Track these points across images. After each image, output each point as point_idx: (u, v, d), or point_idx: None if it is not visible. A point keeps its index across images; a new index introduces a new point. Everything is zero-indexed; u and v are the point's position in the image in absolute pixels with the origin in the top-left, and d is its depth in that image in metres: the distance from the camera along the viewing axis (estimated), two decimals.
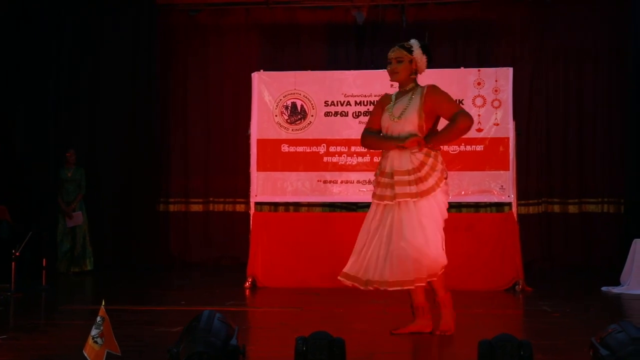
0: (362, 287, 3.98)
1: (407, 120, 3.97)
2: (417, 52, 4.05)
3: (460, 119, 3.92)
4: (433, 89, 4.04)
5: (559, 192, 8.29)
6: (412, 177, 3.91)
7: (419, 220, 3.88)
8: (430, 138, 3.95)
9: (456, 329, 4.06)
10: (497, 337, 2.56)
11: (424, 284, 3.91)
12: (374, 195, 4.05)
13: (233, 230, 8.46)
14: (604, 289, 6.28)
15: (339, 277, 4.09)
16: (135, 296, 6.00)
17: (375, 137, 4.14)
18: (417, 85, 4.09)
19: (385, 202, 3.94)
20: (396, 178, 3.93)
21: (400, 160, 3.96)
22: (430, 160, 3.95)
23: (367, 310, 5.09)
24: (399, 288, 3.88)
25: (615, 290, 6.20)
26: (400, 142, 3.94)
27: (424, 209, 3.90)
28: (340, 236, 6.50)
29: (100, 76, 8.25)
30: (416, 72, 4.08)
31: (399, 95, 4.11)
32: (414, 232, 3.85)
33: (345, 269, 4.06)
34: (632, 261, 6.28)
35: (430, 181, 3.92)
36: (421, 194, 3.89)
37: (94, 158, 8.17)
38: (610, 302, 5.78)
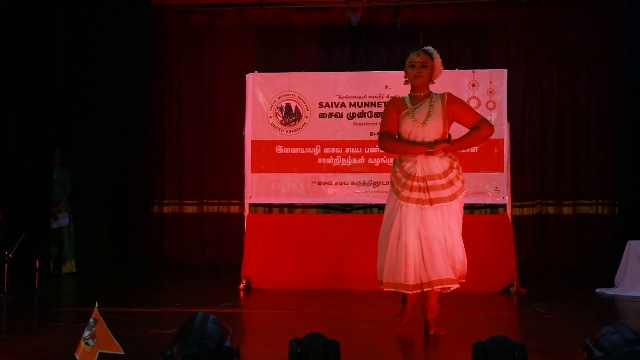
0: (410, 292, 4.01)
1: (432, 127, 4.04)
2: (438, 60, 4.15)
3: (484, 126, 4.10)
4: (454, 97, 4.18)
5: (554, 194, 8.31)
6: (444, 181, 3.99)
7: (449, 224, 3.99)
8: (453, 143, 4.02)
9: (451, 330, 4.07)
10: (492, 339, 2.56)
11: (457, 285, 4.02)
12: (404, 198, 3.99)
13: (227, 232, 8.45)
14: (598, 290, 6.30)
15: (385, 289, 4.07)
16: (129, 298, 5.98)
17: (401, 142, 4.12)
18: (430, 91, 4.14)
19: (426, 206, 3.96)
20: (430, 183, 3.98)
21: (429, 165, 4.01)
22: (456, 164, 4.08)
23: (362, 312, 5.09)
24: (440, 287, 3.96)
25: (610, 292, 6.22)
26: (430, 147, 3.99)
27: (453, 212, 4.03)
28: (335, 238, 6.53)
29: (94, 77, 8.23)
30: (432, 79, 4.15)
31: (414, 100, 4.13)
32: (446, 236, 3.97)
33: (388, 279, 4.04)
34: (627, 263, 6.30)
35: (458, 185, 4.05)
36: (452, 197, 4.00)
37: (88, 160, 8.15)
38: (605, 304, 5.80)
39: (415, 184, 4.00)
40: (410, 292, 3.98)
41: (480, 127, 4.07)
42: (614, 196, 8.08)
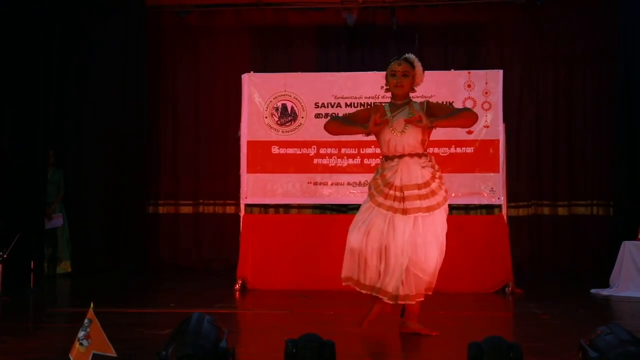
0: (363, 291, 4.06)
1: (410, 134, 4.05)
2: (418, 69, 4.16)
3: (467, 110, 4.27)
4: (432, 103, 4.24)
5: (549, 194, 8.33)
6: (422, 192, 3.99)
7: (424, 235, 3.96)
8: (433, 119, 4.02)
9: (445, 331, 4.07)
10: (487, 339, 2.56)
11: (422, 299, 4.01)
12: (376, 202, 4.02)
13: (223, 232, 8.45)
14: (593, 291, 6.32)
15: (344, 283, 4.12)
16: (124, 299, 5.98)
17: (342, 122, 4.27)
18: (410, 99, 4.16)
19: (397, 214, 3.96)
20: (406, 193, 3.98)
21: (409, 174, 4.01)
22: (439, 174, 4.09)
23: (357, 313, 5.07)
24: (402, 302, 3.98)
25: (605, 292, 6.24)
26: (364, 128, 4.05)
27: (435, 222, 4.00)
28: (331, 238, 6.50)
29: (89, 77, 8.21)
30: (413, 87, 4.17)
31: (393, 108, 4.15)
32: (417, 247, 3.94)
33: (347, 273, 4.08)
34: (621, 263, 6.32)
35: (441, 194, 4.05)
36: (431, 209, 3.98)
37: (83, 160, 8.13)
38: (600, 304, 5.81)
39: (391, 192, 4.00)
40: (363, 292, 4.01)
41: (463, 109, 4.25)
42: (608, 197, 8.10)
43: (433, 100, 6.53)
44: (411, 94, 4.22)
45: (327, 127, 4.34)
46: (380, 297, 3.97)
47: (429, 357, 3.64)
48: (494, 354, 2.50)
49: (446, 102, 6.64)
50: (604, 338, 2.55)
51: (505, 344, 2.54)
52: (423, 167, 4.04)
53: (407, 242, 3.93)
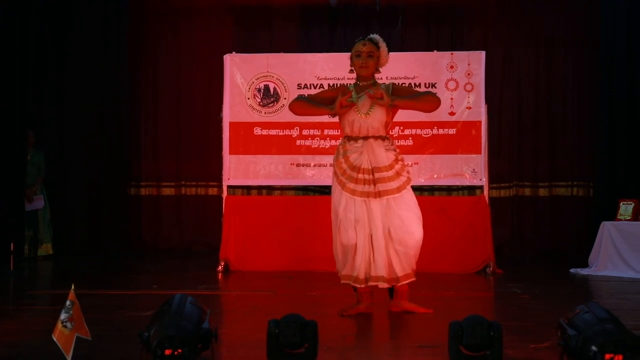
0: (363, 285, 4.06)
1: (375, 117, 4.06)
2: (384, 49, 4.15)
3: (429, 94, 4.26)
4: (398, 85, 4.27)
5: (530, 175, 8.40)
6: (391, 173, 4.00)
7: (400, 214, 3.98)
8: (394, 98, 4.05)
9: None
10: (468, 318, 2.59)
11: (414, 279, 4.04)
12: (349, 190, 4.01)
13: (205, 214, 8.43)
14: (572, 271, 6.40)
15: (343, 282, 4.13)
16: (106, 280, 5.96)
17: (307, 102, 4.24)
18: (376, 81, 4.17)
19: (370, 198, 3.96)
20: (377, 175, 3.99)
21: (376, 157, 4.02)
22: (401, 157, 4.13)
23: (340, 293, 5.10)
24: (395, 284, 4.01)
25: (583, 272, 6.33)
26: (331, 109, 4.05)
27: (405, 201, 4.02)
28: (314, 220, 6.53)
29: (68, 58, 8.11)
30: (378, 68, 4.17)
31: (359, 89, 4.15)
32: (397, 227, 3.97)
33: (345, 271, 4.09)
34: (600, 244, 6.40)
35: (404, 175, 4.08)
36: (399, 189, 4.00)
37: (62, 141, 8.05)
38: (579, 283, 5.89)
39: (361, 176, 4.00)
40: (361, 287, 4.03)
41: (427, 93, 4.31)
42: (589, 178, 8.19)
43: (416, 80, 6.57)
44: (377, 76, 4.22)
45: (291, 107, 4.32)
46: (374, 284, 3.98)
47: (410, 336, 3.68)
48: (475, 333, 2.53)
49: (429, 83, 6.65)
50: (582, 316, 2.58)
51: (485, 322, 2.57)
52: (387, 149, 4.07)
53: (386, 224, 3.95)
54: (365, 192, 3.99)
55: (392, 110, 4.10)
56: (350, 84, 4.28)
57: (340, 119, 4.16)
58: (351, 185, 4.02)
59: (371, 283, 4.02)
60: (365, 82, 4.15)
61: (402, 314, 4.09)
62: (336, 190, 4.12)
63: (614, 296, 5.22)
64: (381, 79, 4.35)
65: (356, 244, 4.00)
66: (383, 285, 4.01)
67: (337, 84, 6.72)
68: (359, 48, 4.11)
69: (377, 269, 3.97)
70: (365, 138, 4.07)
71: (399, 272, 4.00)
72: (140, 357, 2.56)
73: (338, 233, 4.08)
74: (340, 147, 4.16)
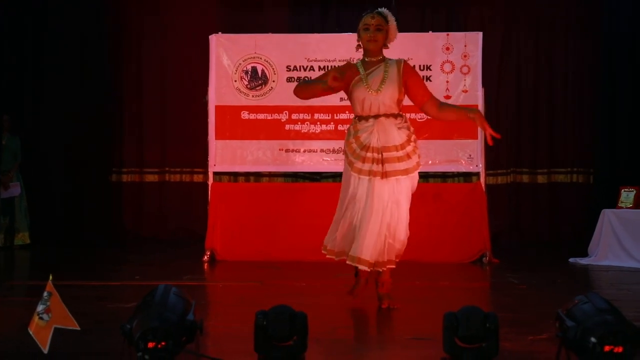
0: (335, 258, 4.12)
1: (386, 93, 4.02)
2: (392, 24, 4.11)
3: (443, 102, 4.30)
4: (409, 65, 4.19)
5: (528, 161, 8.42)
6: (401, 153, 3.98)
7: (397, 199, 3.98)
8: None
9: (421, 302, 4.12)
10: (463, 309, 2.59)
11: (393, 266, 4.03)
12: (357, 170, 4.00)
13: (190, 202, 8.42)
14: (571, 260, 6.44)
15: (327, 255, 4.17)
16: (86, 271, 5.94)
17: (305, 83, 4.24)
18: (385, 57, 4.12)
19: (377, 177, 3.96)
20: (386, 154, 3.97)
21: (387, 135, 3.99)
22: (414, 137, 4.08)
23: (330, 284, 5.13)
24: (363, 267, 3.98)
25: (583, 261, 6.37)
26: (323, 85, 4.00)
27: (404, 187, 4.01)
28: (303, 207, 6.54)
29: (47, 38, 8.05)
30: (386, 43, 4.12)
31: (367, 65, 4.10)
32: (392, 212, 3.96)
33: (335, 248, 4.11)
34: (600, 232, 6.44)
35: (414, 159, 4.04)
36: (406, 172, 3.99)
37: (39, 125, 8.01)
38: (578, 273, 5.93)
39: (369, 154, 3.98)
40: (367, 268, 4.01)
41: (444, 103, 4.30)
42: (589, 164, 8.22)
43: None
44: (385, 51, 4.19)
45: (294, 92, 4.29)
46: (357, 265, 3.98)
47: (403, 328, 3.69)
48: (470, 324, 2.53)
49: (424, 65, 6.64)
50: (581, 307, 2.59)
51: (481, 313, 2.57)
52: (399, 128, 4.03)
53: (384, 207, 3.95)
54: (372, 171, 3.97)
55: (404, 86, 4.06)
56: (358, 60, 4.21)
57: (350, 98, 4.13)
58: (358, 164, 4.01)
59: (360, 265, 3.97)
60: (374, 57, 4.10)
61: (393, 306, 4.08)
62: (346, 172, 4.12)
63: (614, 286, 5.26)
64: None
65: (357, 225, 3.99)
66: (363, 268, 3.99)
67: (328, 66, 6.70)
68: (367, 21, 4.06)
69: (361, 250, 3.93)
70: (376, 117, 4.03)
71: (382, 258, 3.97)
72: (122, 350, 2.55)
73: (345, 213, 4.05)
74: (351, 127, 4.14)
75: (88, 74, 8.15)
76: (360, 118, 4.09)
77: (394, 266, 4.03)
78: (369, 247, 3.93)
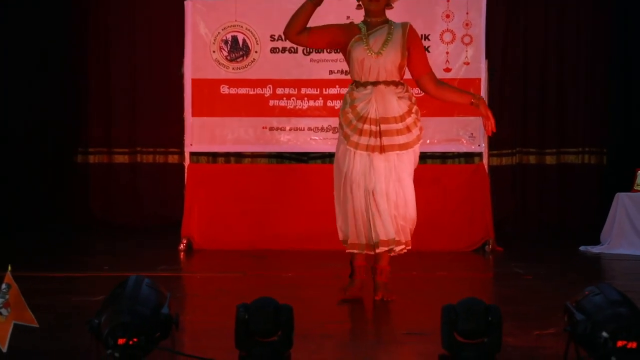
0: (372, 252, 4.10)
1: (388, 57, 4.03)
2: None
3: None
4: (415, 32, 4.18)
5: (535, 141, 8.42)
6: (400, 126, 3.99)
7: (399, 176, 4.00)
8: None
9: (418, 294, 4.15)
10: (462, 302, 2.61)
11: (409, 247, 4.09)
12: (353, 143, 4.01)
13: (165, 185, 8.38)
14: (582, 248, 6.48)
15: (347, 251, 4.16)
16: (49, 261, 5.92)
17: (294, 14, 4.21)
18: (388, 19, 4.12)
19: (375, 153, 3.97)
20: (384, 127, 3.98)
21: (385, 106, 4.00)
22: (415, 109, 4.11)
23: (319, 275, 5.15)
24: (387, 248, 4.01)
25: (595, 249, 6.41)
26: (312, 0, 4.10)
27: (405, 162, 4.04)
28: (289, 191, 6.55)
29: (2, 6, 7.95)
30: (389, 2, 4.14)
31: (370, 26, 4.11)
32: (396, 191, 4.00)
33: (352, 239, 4.10)
34: (614, 217, 6.47)
35: (415, 132, 4.08)
36: (405, 146, 4.01)
37: None
38: (589, 262, 5.98)
39: (366, 126, 3.99)
40: (359, 254, 4.07)
41: (443, 82, 4.42)
42: (601, 143, 8.24)
43: None
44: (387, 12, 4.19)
45: (285, 31, 4.29)
46: (385, 248, 3.99)
47: (398, 323, 3.71)
48: (470, 318, 2.55)
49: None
50: (592, 299, 2.61)
51: (482, 306, 2.59)
52: (400, 97, 4.04)
53: (388, 185, 3.96)
54: (369, 146, 3.98)
55: (407, 51, 4.06)
56: (359, 22, 4.20)
57: (347, 59, 4.13)
58: (355, 138, 4.02)
59: (382, 248, 4.00)
60: (376, 18, 4.10)
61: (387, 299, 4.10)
62: (341, 146, 4.12)
63: (628, 276, 5.31)
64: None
65: (359, 206, 4.00)
66: (398, 248, 4.01)
67: None
68: None
69: (387, 232, 3.97)
70: (375, 83, 4.04)
71: (398, 237, 4.01)
72: (90, 347, 2.55)
73: (345, 196, 4.06)
74: (347, 95, 4.14)
75: (50, 44, 8.06)
76: (357, 84, 4.09)
77: (409, 247, 4.08)
78: (381, 228, 3.96)
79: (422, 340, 3.19)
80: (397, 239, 4.00)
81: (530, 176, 8.42)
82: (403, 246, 4.06)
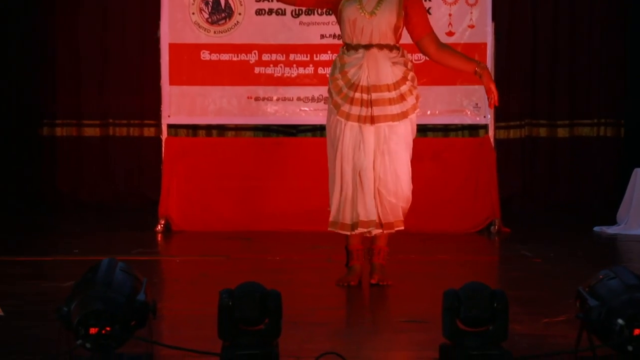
0: (348, 233, 4.10)
1: (382, 17, 4.03)
2: None
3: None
4: None
5: (546, 112, 8.43)
6: (393, 95, 3.99)
7: (391, 148, 3.99)
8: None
9: (418, 278, 4.17)
10: (466, 286, 2.62)
11: (402, 227, 4.09)
12: (344, 114, 4.02)
13: (140, 160, 8.37)
14: (596, 229, 6.51)
15: (329, 229, 4.16)
16: (13, 244, 5.93)
17: None
18: None
19: (367, 124, 3.97)
20: (374, 95, 3.98)
21: (378, 72, 4.00)
22: (411, 75, 4.11)
23: (309, 258, 5.17)
24: (365, 230, 4.02)
25: (610, 230, 6.44)
26: None
27: (401, 134, 4.04)
28: (276, 167, 6.56)
29: None
30: None
31: None
32: (386, 167, 4.00)
33: (332, 217, 4.12)
34: (632, 195, 6.49)
35: (410, 100, 4.07)
36: (401, 116, 4.01)
37: None
38: (603, 244, 6.02)
39: (357, 95, 4.00)
40: (353, 234, 4.07)
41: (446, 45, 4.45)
42: (618, 114, 8.26)
43: None
44: None
45: None
46: (364, 230, 4.01)
47: (396, 309, 3.74)
48: (474, 304, 2.56)
49: None
50: (607, 283, 2.63)
51: (487, 291, 2.60)
52: (394, 63, 4.05)
53: (376, 159, 3.97)
54: (361, 117, 3.99)
55: (405, 11, 4.07)
56: None
57: (339, 20, 4.14)
58: (345, 108, 4.02)
59: (360, 229, 4.02)
60: None
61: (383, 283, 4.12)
62: (331, 116, 4.13)
63: None
64: None
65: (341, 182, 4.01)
66: (376, 231, 4.03)
67: None
68: None
69: (368, 212, 3.98)
70: (368, 47, 4.04)
71: (391, 218, 4.03)
72: (59, 337, 2.56)
73: (336, 171, 4.07)
74: (337, 59, 4.16)
75: (14, 8, 8.00)
76: (348, 47, 4.09)
77: (402, 227, 4.08)
78: (369, 209, 3.96)
79: (421, 329, 3.21)
80: (377, 221, 4.00)
81: (541, 150, 8.44)
82: (394, 229, 4.06)
